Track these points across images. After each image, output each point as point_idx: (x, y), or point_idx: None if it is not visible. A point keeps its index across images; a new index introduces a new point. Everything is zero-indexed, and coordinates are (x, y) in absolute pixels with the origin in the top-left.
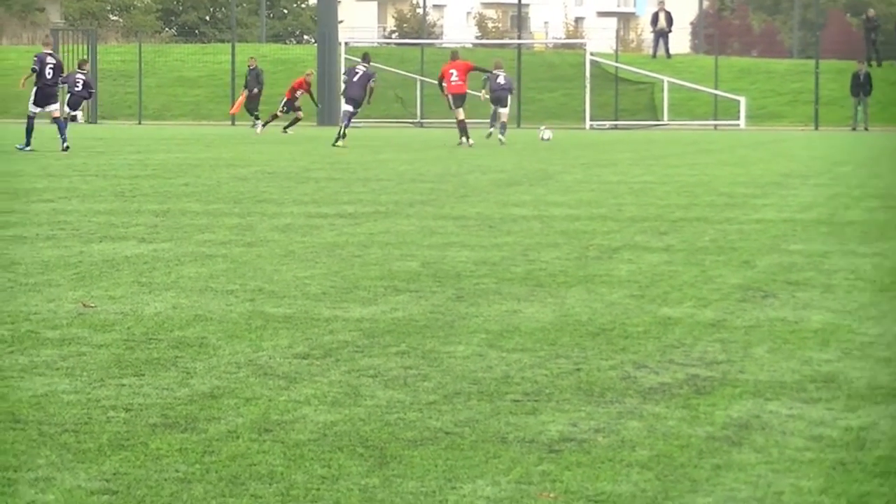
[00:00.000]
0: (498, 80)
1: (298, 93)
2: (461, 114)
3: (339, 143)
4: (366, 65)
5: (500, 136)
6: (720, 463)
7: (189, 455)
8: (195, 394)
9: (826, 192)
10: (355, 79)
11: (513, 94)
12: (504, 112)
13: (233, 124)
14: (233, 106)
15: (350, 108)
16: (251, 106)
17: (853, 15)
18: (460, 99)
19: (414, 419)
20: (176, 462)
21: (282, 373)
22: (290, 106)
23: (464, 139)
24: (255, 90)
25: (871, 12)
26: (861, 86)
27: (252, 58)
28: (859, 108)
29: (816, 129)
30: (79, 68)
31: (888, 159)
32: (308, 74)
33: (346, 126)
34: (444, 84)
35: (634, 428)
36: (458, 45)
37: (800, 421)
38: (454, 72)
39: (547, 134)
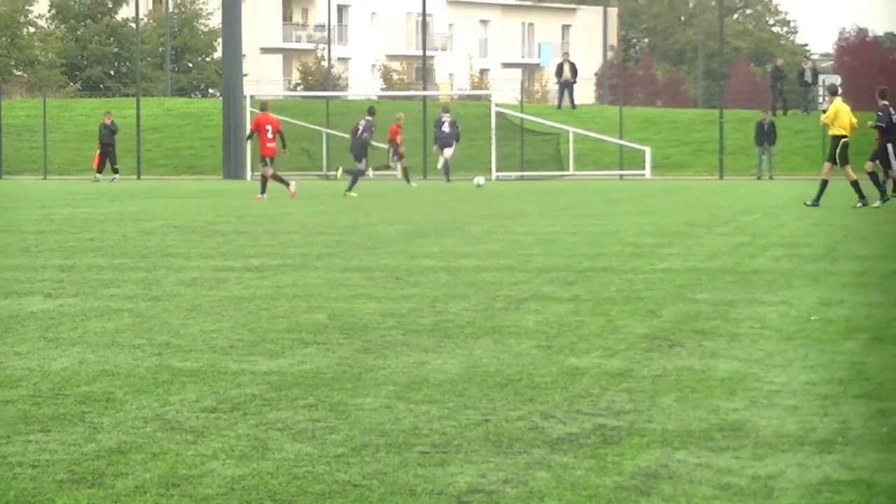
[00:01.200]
0: (443, 129)
1: (399, 138)
2: (270, 171)
3: (351, 193)
4: (368, 118)
5: (445, 175)
6: None
7: None
8: (102, 449)
9: (731, 241)
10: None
11: (458, 140)
12: (447, 153)
13: (138, 178)
14: (94, 161)
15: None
16: (112, 159)
17: (757, 65)
18: (272, 160)
19: (322, 472)
20: None
21: (189, 427)
22: (397, 153)
23: (264, 195)
24: (107, 145)
25: (780, 62)
26: (765, 135)
27: (107, 113)
28: (764, 157)
29: (721, 178)
30: None
31: (792, 208)
32: (398, 119)
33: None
34: (255, 135)
35: (543, 478)
36: (364, 98)
37: (707, 470)
38: (270, 128)
39: (480, 181)
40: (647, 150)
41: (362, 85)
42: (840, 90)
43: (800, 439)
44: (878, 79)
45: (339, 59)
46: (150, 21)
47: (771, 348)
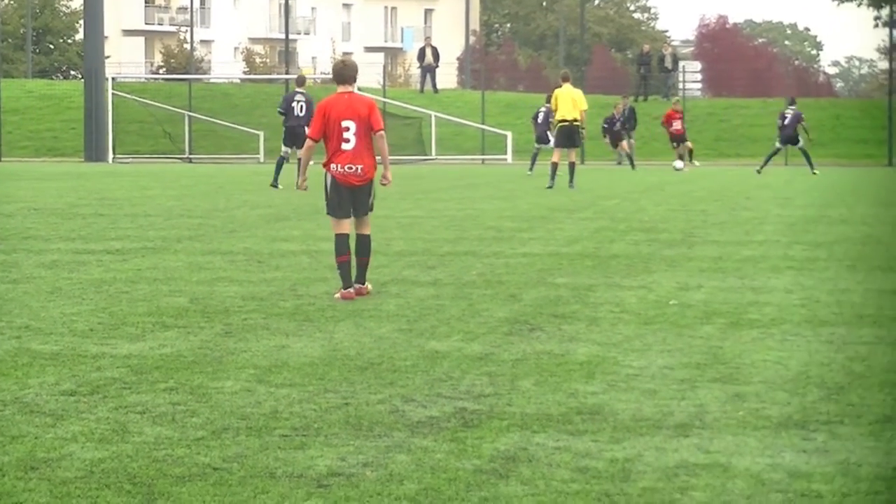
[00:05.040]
0: (538, 121)
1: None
2: None
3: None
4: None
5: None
6: (487, 496)
7: None
8: None
9: (591, 226)
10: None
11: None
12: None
13: None
14: None
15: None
16: None
17: (617, 51)
18: None
19: (182, 455)
20: None
21: (48, 410)
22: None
23: None
24: None
25: (647, 47)
26: (626, 120)
27: None
28: (630, 141)
29: (583, 162)
30: None
31: (652, 193)
32: (676, 102)
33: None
34: None
35: (403, 462)
36: (227, 80)
37: (566, 453)
38: None
39: (679, 164)
40: (509, 134)
41: (225, 68)
42: (569, 76)
43: (657, 423)
44: (737, 64)
45: (202, 41)
46: (11, 2)
47: (629, 332)
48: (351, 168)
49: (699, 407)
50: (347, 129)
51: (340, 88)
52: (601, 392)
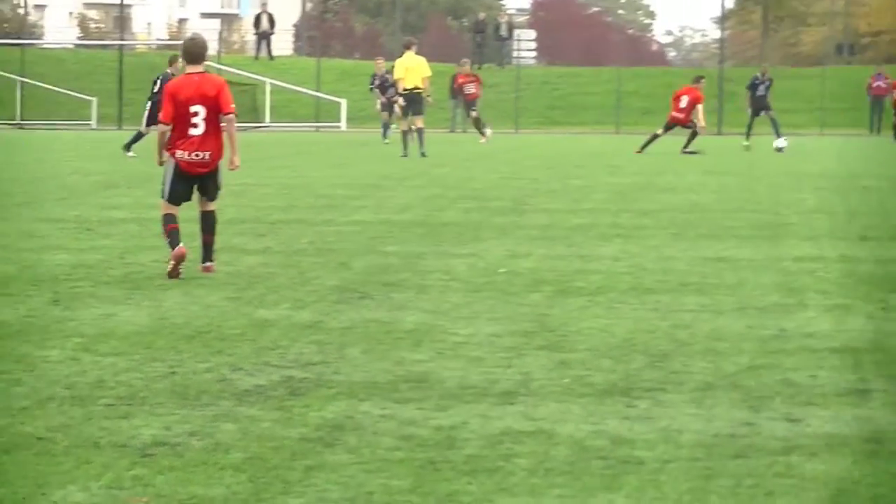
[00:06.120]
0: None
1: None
2: None
3: None
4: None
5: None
6: (313, 464)
7: None
8: None
9: (423, 194)
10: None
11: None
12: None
13: None
14: None
15: None
16: None
17: (453, 18)
18: None
19: (5, 425)
20: None
21: None
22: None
23: None
24: None
25: (482, 16)
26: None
27: None
28: (458, 110)
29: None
30: None
31: (483, 161)
32: (463, 64)
33: None
34: None
35: (229, 430)
36: (60, 47)
37: (391, 421)
38: None
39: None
40: (344, 102)
41: (59, 33)
42: (412, 44)
43: (483, 390)
44: (571, 33)
45: (36, 6)
46: None
47: (458, 300)
48: (198, 156)
49: (525, 374)
50: (196, 114)
51: (189, 68)
52: (428, 360)
